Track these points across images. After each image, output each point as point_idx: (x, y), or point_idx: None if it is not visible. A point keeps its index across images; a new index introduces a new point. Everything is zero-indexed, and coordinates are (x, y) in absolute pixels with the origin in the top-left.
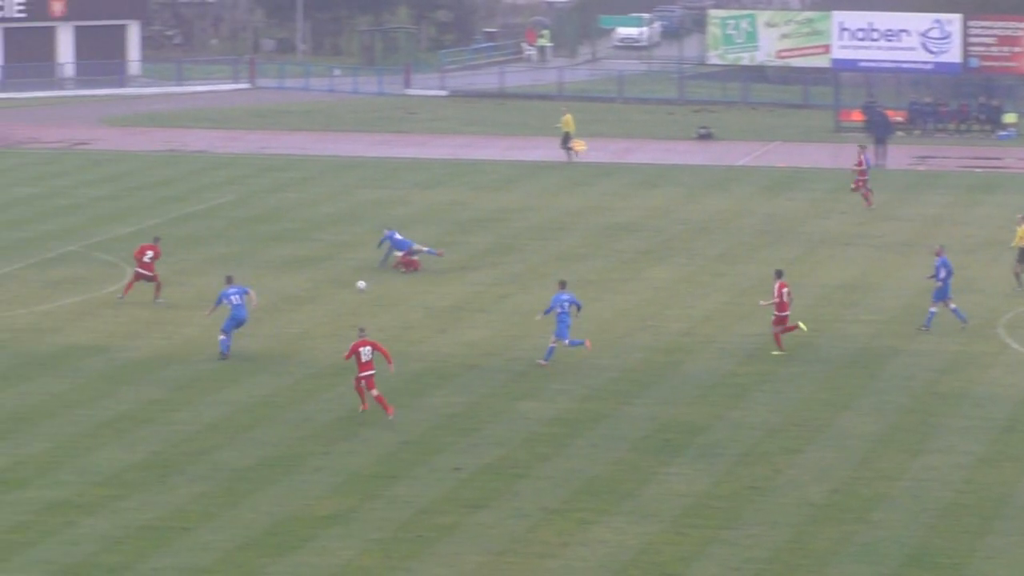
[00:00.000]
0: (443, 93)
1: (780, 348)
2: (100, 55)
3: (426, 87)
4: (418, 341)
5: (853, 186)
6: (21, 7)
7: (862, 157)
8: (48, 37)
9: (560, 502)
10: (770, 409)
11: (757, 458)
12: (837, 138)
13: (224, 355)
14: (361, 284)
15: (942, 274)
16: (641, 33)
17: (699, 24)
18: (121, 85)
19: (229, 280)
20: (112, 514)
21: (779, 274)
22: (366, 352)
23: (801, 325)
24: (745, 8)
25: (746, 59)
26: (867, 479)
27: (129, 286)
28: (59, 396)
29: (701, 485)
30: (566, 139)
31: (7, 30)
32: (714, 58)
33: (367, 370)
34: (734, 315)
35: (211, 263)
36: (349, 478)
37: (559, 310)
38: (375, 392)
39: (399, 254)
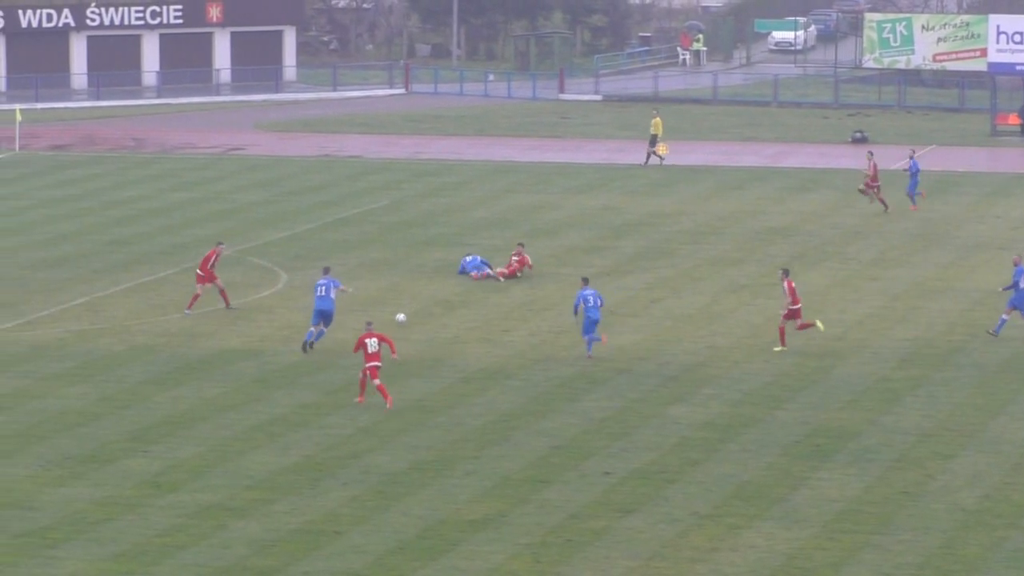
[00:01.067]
0: (597, 98)
1: (783, 344)
2: (256, 61)
3: (580, 92)
4: (570, 346)
5: (862, 189)
6: (178, 14)
7: (872, 162)
8: (205, 43)
9: (711, 507)
10: (923, 414)
11: (909, 463)
12: (993, 142)
13: (307, 346)
14: (400, 317)
15: (1022, 284)
16: (796, 37)
17: (855, 28)
18: (277, 91)
19: (326, 271)
20: (264, 518)
21: (786, 273)
22: (372, 344)
23: (819, 323)
24: (901, 12)
25: (902, 63)
26: (1020, 485)
27: (223, 294)
28: (212, 400)
29: (853, 490)
30: (653, 141)
31: (164, 36)
32: (869, 62)
33: (373, 360)
34: (887, 319)
35: (364, 268)
36: (500, 482)
37: (584, 305)
38: (377, 382)
39: (493, 270)
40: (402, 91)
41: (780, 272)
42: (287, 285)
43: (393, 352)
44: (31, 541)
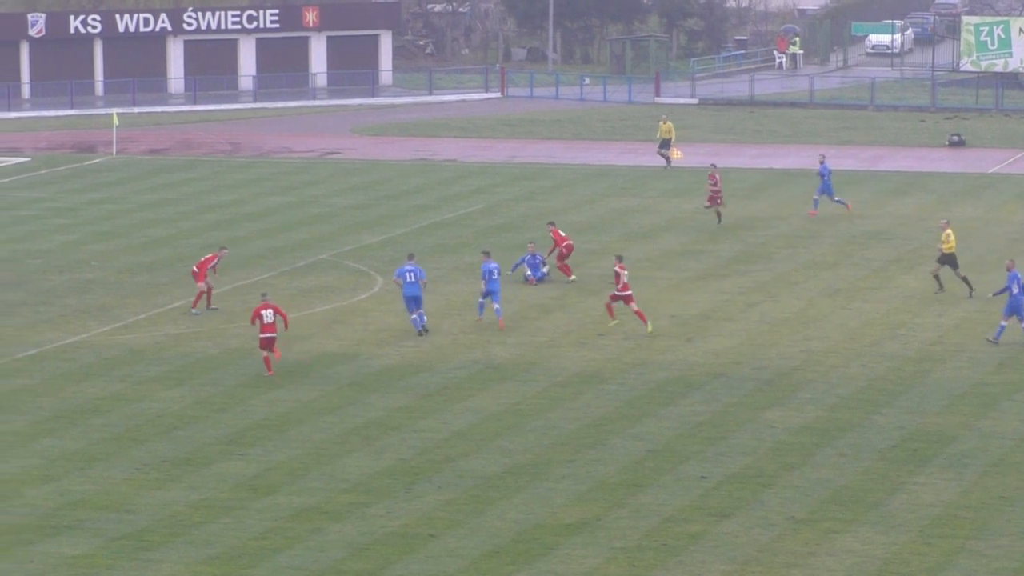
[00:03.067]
0: (693, 101)
1: (612, 317)
2: (352, 65)
3: (676, 95)
4: (665, 350)
5: (707, 203)
6: (275, 18)
7: (715, 175)
8: (301, 48)
9: (807, 512)
10: (1020, 418)
11: (1007, 468)
12: None
13: (420, 332)
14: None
15: (1015, 289)
16: (893, 40)
17: (952, 31)
18: (373, 95)
19: (411, 257)
20: (359, 521)
21: (619, 259)
22: (268, 315)
23: (648, 327)
24: (999, 15)
25: (999, 66)
26: None
27: (202, 296)
28: (308, 403)
29: (949, 495)
30: (664, 145)
31: (261, 41)
32: (967, 65)
33: (269, 331)
34: (984, 323)
35: (460, 272)
36: (594, 486)
37: (488, 278)
38: (266, 353)
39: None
40: (498, 95)
41: (615, 257)
42: (383, 289)
43: (286, 325)
44: (128, 544)
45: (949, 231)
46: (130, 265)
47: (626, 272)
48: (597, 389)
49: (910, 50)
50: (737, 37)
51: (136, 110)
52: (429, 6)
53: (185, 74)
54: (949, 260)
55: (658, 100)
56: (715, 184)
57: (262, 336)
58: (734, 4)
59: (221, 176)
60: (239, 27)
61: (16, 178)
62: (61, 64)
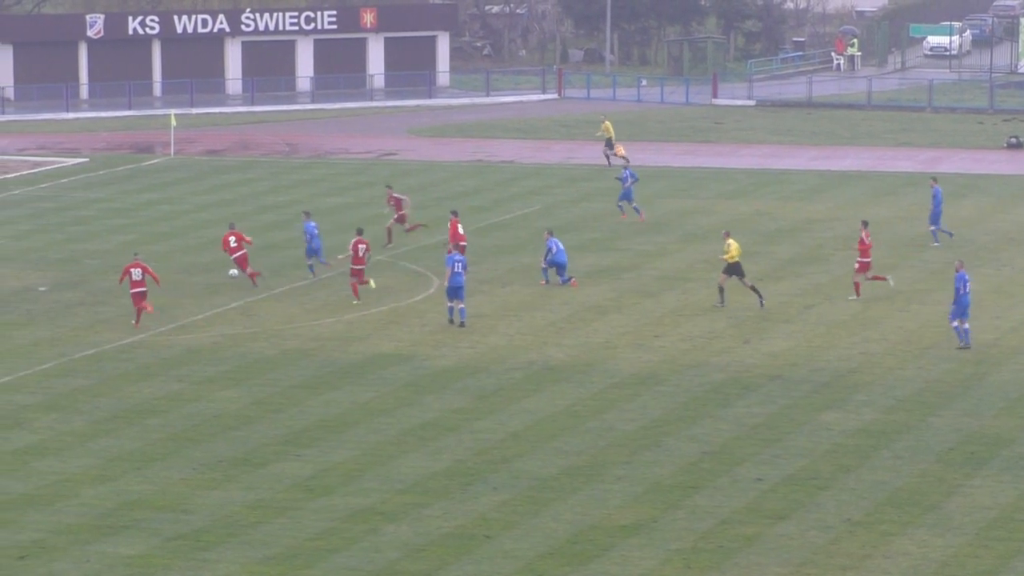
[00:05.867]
0: (750, 103)
1: (356, 298)
2: (410, 66)
3: (733, 96)
4: (722, 351)
5: (406, 227)
6: (332, 19)
7: (392, 195)
8: (359, 49)
9: (863, 514)
10: None
11: None
12: None
13: (460, 323)
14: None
15: (961, 290)
16: (952, 42)
17: (1011, 32)
18: (430, 96)
19: (459, 248)
20: (415, 521)
21: (359, 232)
22: (136, 273)
23: (371, 282)
24: None
25: None
26: None
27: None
28: (364, 404)
29: (1006, 498)
30: (609, 144)
31: (318, 42)
32: None
33: (138, 287)
34: None
35: (516, 273)
36: (650, 488)
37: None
38: (143, 304)
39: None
40: (555, 96)
41: (356, 231)
42: (439, 290)
43: (157, 281)
44: (184, 544)
45: (731, 240)
46: (187, 265)
47: (364, 247)
48: (653, 390)
49: (968, 52)
50: (795, 38)
51: (194, 111)
52: (486, 7)
53: (243, 75)
54: (735, 270)
55: (715, 101)
56: (396, 206)
57: (132, 292)
58: (792, 6)
59: (278, 177)
60: (297, 28)
61: (74, 178)
62: (119, 65)
